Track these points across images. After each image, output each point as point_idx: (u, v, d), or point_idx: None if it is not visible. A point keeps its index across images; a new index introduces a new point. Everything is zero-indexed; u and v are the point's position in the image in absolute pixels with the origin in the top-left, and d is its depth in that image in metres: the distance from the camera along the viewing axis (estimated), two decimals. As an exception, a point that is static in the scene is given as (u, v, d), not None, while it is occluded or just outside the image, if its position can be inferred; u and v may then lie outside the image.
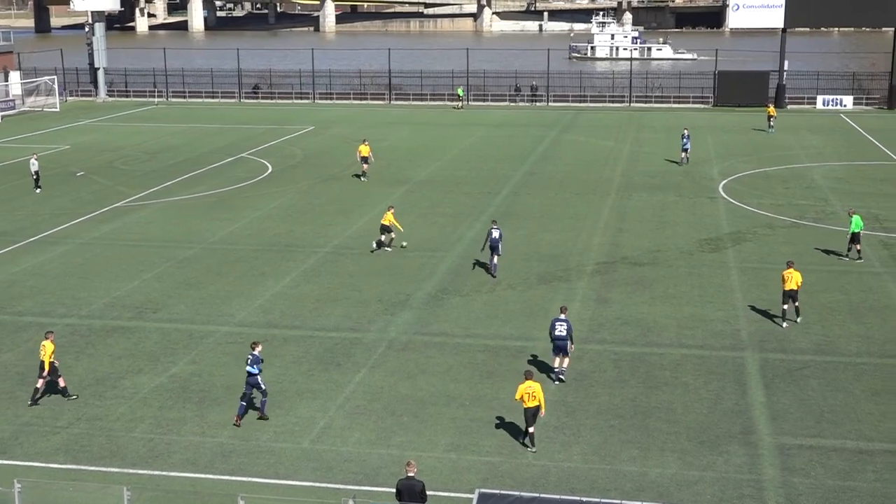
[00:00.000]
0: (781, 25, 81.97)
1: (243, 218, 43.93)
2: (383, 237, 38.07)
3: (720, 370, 26.12)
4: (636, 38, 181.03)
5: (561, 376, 25.44)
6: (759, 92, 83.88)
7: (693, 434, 22.39)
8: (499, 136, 69.29)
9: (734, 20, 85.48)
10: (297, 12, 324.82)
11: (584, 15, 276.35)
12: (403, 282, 34.12)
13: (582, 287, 33.42)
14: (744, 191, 48.63)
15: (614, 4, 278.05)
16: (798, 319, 29.81)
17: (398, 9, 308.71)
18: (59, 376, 24.39)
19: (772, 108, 70.72)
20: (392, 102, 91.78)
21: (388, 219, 38.00)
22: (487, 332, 29.17)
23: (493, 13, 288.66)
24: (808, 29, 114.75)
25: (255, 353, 23.23)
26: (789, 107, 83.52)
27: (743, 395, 24.47)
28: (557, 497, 18.54)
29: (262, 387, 23.21)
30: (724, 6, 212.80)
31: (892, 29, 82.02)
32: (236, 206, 46.27)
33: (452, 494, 19.82)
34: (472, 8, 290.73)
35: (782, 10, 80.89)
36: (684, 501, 19.57)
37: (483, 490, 17.14)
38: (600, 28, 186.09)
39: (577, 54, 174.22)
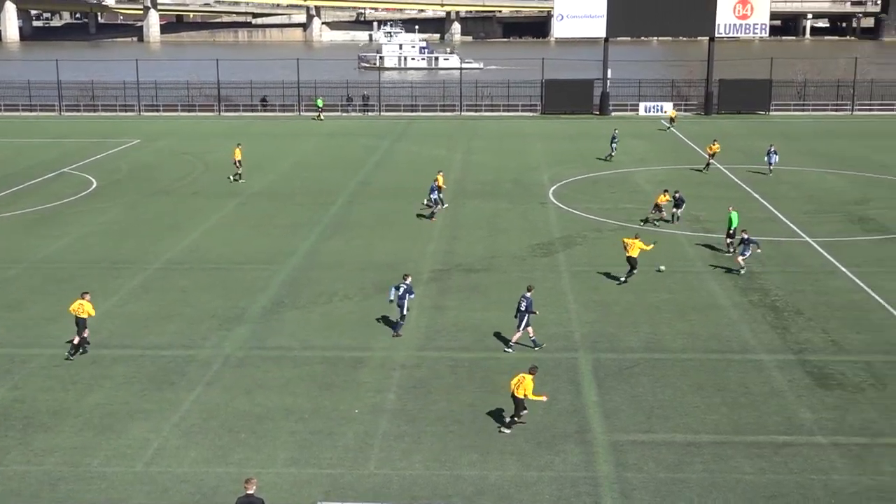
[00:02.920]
0: (604, 35, 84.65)
1: (67, 235, 42.25)
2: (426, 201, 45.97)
3: (555, 371, 26.69)
4: (424, 48, 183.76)
5: (510, 346, 28.25)
6: (584, 100, 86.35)
7: (531, 435, 22.79)
8: (332, 146, 69.04)
9: (559, 30, 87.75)
10: (119, 22, 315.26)
11: (413, 25, 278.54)
12: (238, 296, 33.50)
13: (418, 295, 33.52)
14: (573, 196, 49.95)
15: (442, 14, 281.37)
16: (623, 280, 34.39)
17: (225, 19, 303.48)
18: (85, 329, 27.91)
19: (673, 112, 79.01)
20: (221, 114, 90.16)
21: (440, 181, 46.75)
22: (325, 344, 28.95)
23: (323, 23, 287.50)
24: (629, 38, 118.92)
25: (407, 282, 29.17)
26: (613, 114, 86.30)
27: (577, 395, 25.07)
28: (399, 506, 18.57)
29: (405, 312, 29.08)
30: (549, 17, 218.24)
31: (707, 38, 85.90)
32: (59, 223, 44.47)
33: (293, 510, 19.56)
34: (302, 18, 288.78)
35: (604, 21, 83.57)
36: (524, 502, 19.89)
37: (325, 503, 16.98)
38: (388, 38, 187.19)
39: (366, 64, 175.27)
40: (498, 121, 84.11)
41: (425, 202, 46.21)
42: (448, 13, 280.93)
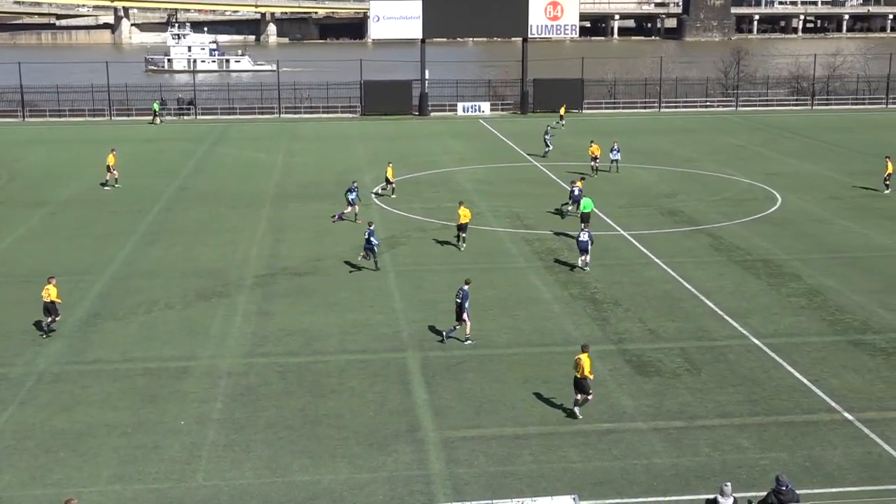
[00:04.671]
0: (420, 36, 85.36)
1: None
2: (382, 187, 50.67)
3: (384, 372, 26.72)
4: (214, 49, 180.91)
5: (449, 337, 28.97)
6: (403, 101, 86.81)
7: (362, 437, 22.74)
8: (148, 151, 66.92)
9: (375, 31, 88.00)
10: None
11: (228, 26, 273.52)
12: (51, 309, 32.03)
13: (243, 301, 33.01)
14: (396, 196, 50.08)
15: (258, 16, 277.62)
16: (462, 247, 39.16)
17: (27, 20, 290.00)
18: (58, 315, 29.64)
19: (563, 109, 79.68)
20: (26, 120, 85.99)
21: (390, 172, 49.83)
22: (147, 355, 28.06)
23: (133, 25, 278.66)
24: (445, 39, 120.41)
25: (371, 228, 36.12)
26: (433, 114, 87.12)
27: (407, 395, 25.17)
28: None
29: (375, 249, 35.81)
30: (366, 18, 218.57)
31: (521, 39, 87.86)
32: None
33: (119, 528, 18.86)
34: (110, 19, 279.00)
35: (420, 22, 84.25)
36: (358, 505, 19.83)
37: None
38: (176, 40, 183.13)
39: (154, 67, 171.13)
40: (318, 123, 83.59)
41: (379, 190, 50.69)
42: (263, 14, 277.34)
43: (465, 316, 28.62)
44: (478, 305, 32.29)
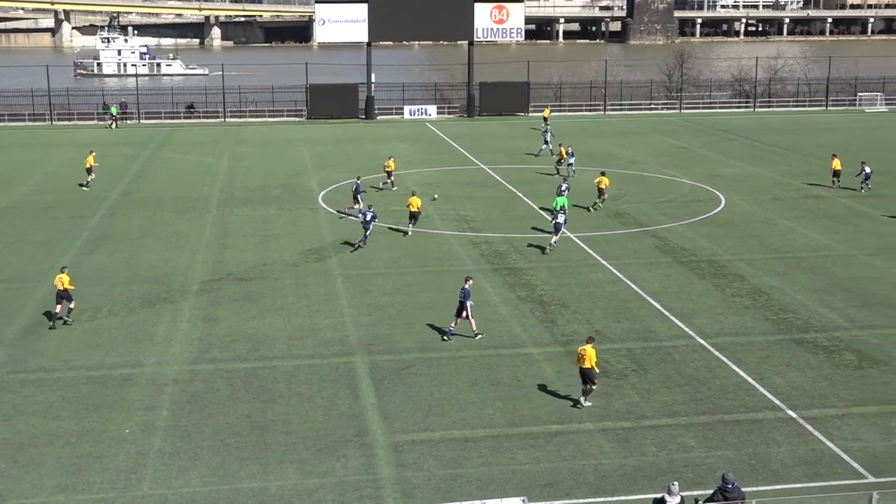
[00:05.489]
0: (366, 39, 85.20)
1: None
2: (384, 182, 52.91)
3: (332, 377, 26.59)
4: (144, 53, 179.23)
5: (452, 335, 29.48)
6: (349, 104, 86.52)
7: (310, 442, 22.60)
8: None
9: (321, 35, 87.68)
10: None
11: (172, 30, 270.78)
12: (-9, 317, 31.49)
13: (188, 307, 32.66)
14: (342, 200, 49.86)
15: (201, 19, 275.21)
16: (410, 231, 42.00)
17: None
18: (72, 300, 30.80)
19: (547, 112, 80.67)
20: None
21: (391, 166, 52.76)
22: (90, 363, 27.65)
23: (74, 28, 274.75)
24: (391, 42, 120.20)
25: (372, 211, 40.19)
26: (379, 117, 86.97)
27: (356, 399, 25.08)
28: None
29: (367, 233, 39.62)
30: (312, 21, 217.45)
31: (467, 42, 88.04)
32: None
33: (63, 540, 18.55)
34: (50, 23, 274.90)
35: (366, 25, 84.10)
36: (307, 511, 19.69)
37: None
38: (106, 43, 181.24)
39: (83, 71, 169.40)
40: (263, 126, 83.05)
41: (385, 183, 52.30)
42: (207, 18, 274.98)
43: (466, 314, 29.04)
44: (425, 308, 32.32)
